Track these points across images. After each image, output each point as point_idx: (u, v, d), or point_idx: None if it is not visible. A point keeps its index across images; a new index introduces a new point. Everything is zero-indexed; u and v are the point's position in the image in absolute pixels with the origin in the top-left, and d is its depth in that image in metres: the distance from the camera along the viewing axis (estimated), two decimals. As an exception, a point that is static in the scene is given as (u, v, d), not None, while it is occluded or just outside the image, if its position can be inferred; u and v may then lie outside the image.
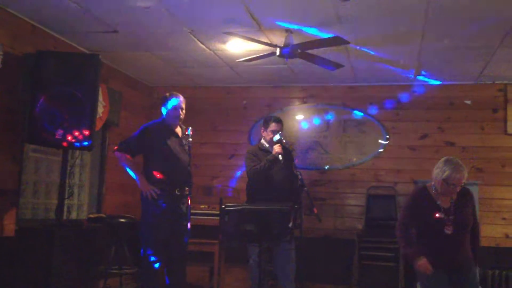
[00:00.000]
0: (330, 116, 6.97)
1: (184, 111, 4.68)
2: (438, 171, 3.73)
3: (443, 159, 3.80)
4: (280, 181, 5.06)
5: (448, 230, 3.64)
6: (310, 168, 6.86)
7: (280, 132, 5.16)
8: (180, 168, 4.55)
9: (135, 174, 4.53)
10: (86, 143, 4.44)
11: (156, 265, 4.47)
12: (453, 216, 3.67)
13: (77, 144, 4.43)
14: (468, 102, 6.57)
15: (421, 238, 3.80)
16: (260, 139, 5.34)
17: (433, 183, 3.79)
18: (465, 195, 3.78)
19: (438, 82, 6.63)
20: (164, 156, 4.52)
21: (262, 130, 5.31)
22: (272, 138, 5.11)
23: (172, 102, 4.62)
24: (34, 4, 4.54)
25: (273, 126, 5.14)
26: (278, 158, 4.98)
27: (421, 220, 3.78)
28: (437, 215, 3.68)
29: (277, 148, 5.03)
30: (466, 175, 3.68)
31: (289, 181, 5.11)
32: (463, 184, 3.69)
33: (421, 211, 3.76)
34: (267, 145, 5.20)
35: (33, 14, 4.79)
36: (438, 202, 3.73)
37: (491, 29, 4.76)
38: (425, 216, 3.74)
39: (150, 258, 4.46)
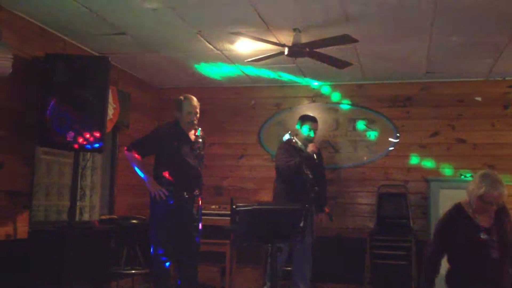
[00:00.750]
0: (339, 115, 6.96)
1: (198, 114, 4.65)
2: (474, 186, 3.34)
3: (479, 173, 3.43)
4: (311, 181, 5.11)
5: (494, 254, 3.23)
6: (320, 167, 6.84)
7: (290, 132, 5.18)
8: (189, 171, 4.54)
9: (143, 174, 4.55)
10: (97, 145, 4.47)
11: (166, 264, 4.49)
12: (497, 237, 3.27)
13: (88, 146, 4.46)
14: (479, 98, 6.53)
15: (458, 263, 3.40)
16: (290, 137, 5.44)
17: (468, 199, 3.41)
18: (501, 212, 3.38)
19: (448, 79, 6.59)
20: (173, 159, 4.52)
21: (296, 128, 5.52)
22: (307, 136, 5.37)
23: (186, 106, 4.59)
24: (43, 7, 4.57)
25: (309, 125, 5.41)
26: (312, 156, 5.15)
27: (459, 243, 3.35)
28: (482, 236, 3.27)
29: (311, 146, 5.18)
30: (505, 192, 3.29)
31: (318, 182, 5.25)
32: (501, 202, 3.31)
33: (459, 232, 3.36)
34: (300, 143, 5.38)
35: (42, 17, 4.82)
36: (477, 221, 3.34)
37: (501, 25, 4.72)
38: (465, 238, 3.32)
39: (160, 258, 4.47)
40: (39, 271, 4.62)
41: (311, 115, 5.79)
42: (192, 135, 4.66)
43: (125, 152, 4.64)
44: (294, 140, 5.38)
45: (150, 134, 4.68)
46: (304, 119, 5.55)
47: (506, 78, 6.44)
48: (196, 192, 4.59)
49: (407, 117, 6.72)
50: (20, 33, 4.69)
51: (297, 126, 5.56)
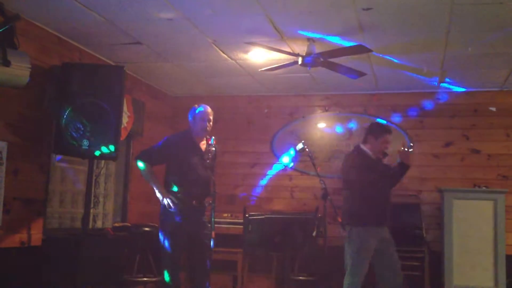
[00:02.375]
0: (352, 125, 6.95)
1: (211, 123, 4.65)
2: None
3: None
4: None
5: None
6: (333, 176, 6.82)
7: (303, 141, 5.15)
8: (198, 182, 4.54)
9: (153, 182, 4.57)
10: (111, 153, 4.51)
11: (176, 274, 4.48)
12: None
13: (103, 154, 4.50)
14: (493, 109, 6.49)
15: None
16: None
17: None
18: None
19: (462, 89, 6.56)
20: (182, 169, 4.52)
21: (369, 139, 4.77)
22: (384, 149, 4.71)
23: (200, 114, 4.60)
24: (60, 17, 4.63)
25: (388, 138, 4.73)
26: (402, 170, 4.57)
27: None
28: None
29: (404, 157, 4.56)
30: None
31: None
32: None
33: None
34: (372, 155, 4.73)
35: (59, 26, 4.88)
36: None
37: (516, 35, 4.70)
38: None
39: (169, 268, 4.48)
40: (53, 278, 4.65)
41: (386, 125, 5.18)
42: (203, 145, 4.67)
43: (135, 160, 4.66)
44: (365, 152, 4.73)
45: (162, 143, 4.70)
46: (378, 130, 4.82)
47: (521, 88, 6.40)
48: (208, 201, 4.59)
49: (421, 127, 6.69)
50: (38, 42, 4.75)
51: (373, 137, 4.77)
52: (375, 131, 4.77)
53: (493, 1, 3.98)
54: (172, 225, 4.47)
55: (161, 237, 4.54)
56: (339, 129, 6.97)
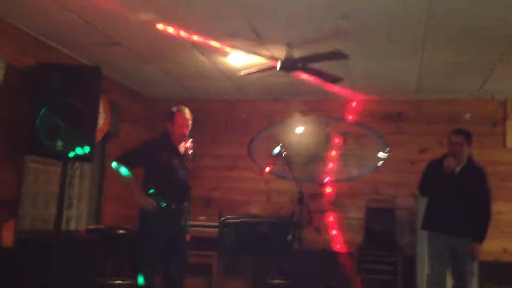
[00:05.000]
0: (330, 129, 6.99)
1: (190, 126, 4.58)
2: None
3: None
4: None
5: None
6: (310, 180, 6.86)
7: (281, 145, 5.14)
8: (178, 184, 4.52)
9: (131, 185, 4.52)
10: (86, 154, 4.45)
11: (151, 278, 4.45)
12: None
13: (77, 155, 4.44)
14: (468, 116, 6.59)
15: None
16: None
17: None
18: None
19: (438, 97, 6.66)
20: (162, 172, 4.48)
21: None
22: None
23: (178, 118, 4.53)
24: (37, 17, 4.57)
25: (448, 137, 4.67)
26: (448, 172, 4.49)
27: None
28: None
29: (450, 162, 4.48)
30: None
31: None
32: None
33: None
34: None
35: (36, 27, 4.82)
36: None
37: (491, 45, 4.79)
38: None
39: (147, 271, 4.44)
40: (24, 281, 4.57)
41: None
42: (182, 147, 4.63)
43: (112, 164, 4.54)
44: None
45: (139, 146, 4.64)
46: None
47: (495, 97, 6.51)
48: (185, 204, 4.57)
49: (397, 132, 6.77)
50: (14, 42, 4.69)
51: None
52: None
53: (468, 11, 4.05)
54: (150, 229, 4.43)
55: (138, 240, 4.49)
56: (317, 134, 7.00)
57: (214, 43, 5.02)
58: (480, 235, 4.45)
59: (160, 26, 4.61)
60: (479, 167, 4.66)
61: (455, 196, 4.52)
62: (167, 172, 4.48)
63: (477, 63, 5.33)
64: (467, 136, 4.67)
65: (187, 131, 4.57)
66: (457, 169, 4.59)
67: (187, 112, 4.58)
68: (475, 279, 4.70)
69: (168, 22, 4.53)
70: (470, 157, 4.68)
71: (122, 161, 4.51)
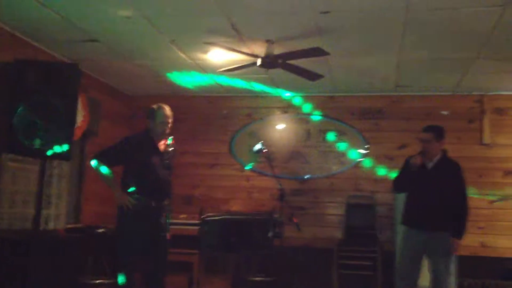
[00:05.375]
0: (310, 126, 7.02)
1: (170, 124, 4.55)
2: None
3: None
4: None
5: None
6: (290, 177, 6.88)
7: (261, 142, 5.15)
8: (158, 182, 4.48)
9: (110, 183, 4.48)
10: (64, 152, 4.39)
11: (133, 275, 4.42)
12: None
13: (55, 153, 4.38)
14: (445, 112, 6.67)
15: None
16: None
17: None
18: None
19: (416, 93, 6.73)
20: (142, 170, 4.45)
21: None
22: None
23: (159, 116, 4.49)
24: (14, 13, 4.50)
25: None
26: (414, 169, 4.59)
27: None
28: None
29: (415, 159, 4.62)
30: None
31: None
32: None
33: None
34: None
35: (12, 22, 4.75)
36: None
37: (468, 42, 4.85)
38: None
39: (127, 269, 4.40)
40: (2, 280, 4.51)
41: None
42: (162, 145, 4.60)
43: (91, 162, 4.51)
44: None
45: (119, 144, 4.59)
46: None
47: (472, 93, 6.61)
48: (166, 202, 4.54)
49: (377, 129, 6.83)
50: (-11, 38, 4.61)
51: None
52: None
53: (447, 7, 4.10)
54: (130, 227, 4.40)
55: (117, 239, 4.46)
56: (297, 130, 7.03)
57: (193, 40, 5.00)
58: (459, 230, 4.51)
59: (139, 22, 4.57)
60: (454, 162, 4.73)
61: (428, 192, 4.59)
62: (146, 170, 4.44)
63: (454, 60, 5.40)
64: (437, 133, 4.71)
65: (167, 129, 4.54)
66: (430, 165, 4.67)
67: (167, 110, 4.55)
68: (452, 278, 4.73)
69: (147, 18, 4.50)
70: (444, 152, 4.75)
71: (101, 159, 4.47)
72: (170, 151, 4.59)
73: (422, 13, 4.23)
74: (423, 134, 4.73)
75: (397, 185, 4.89)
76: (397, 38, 4.79)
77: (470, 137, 6.57)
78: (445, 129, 4.78)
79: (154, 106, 4.56)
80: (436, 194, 4.55)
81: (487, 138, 6.54)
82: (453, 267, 4.74)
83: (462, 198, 4.58)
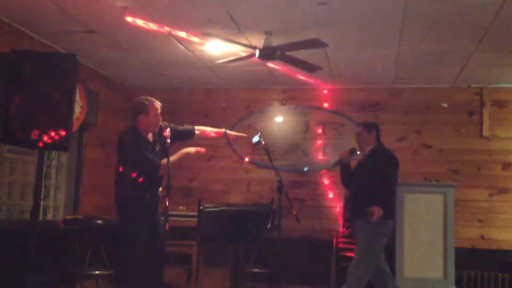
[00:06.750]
0: (309, 118, 7.00)
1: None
2: None
3: None
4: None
5: None
6: (289, 169, 6.88)
7: (259, 134, 5.13)
8: (153, 173, 4.49)
9: (177, 156, 4.57)
10: (62, 143, 4.38)
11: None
12: None
13: (53, 144, 4.37)
14: (445, 105, 6.66)
15: None
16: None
17: None
18: None
19: (415, 86, 6.71)
20: (137, 164, 4.45)
21: None
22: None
23: (153, 108, 4.48)
24: (11, 3, 4.48)
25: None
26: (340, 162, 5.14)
27: None
28: None
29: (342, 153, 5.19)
30: None
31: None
32: None
33: None
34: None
35: (10, 13, 4.72)
36: None
37: (467, 34, 4.83)
38: None
39: (134, 258, 4.41)
40: (0, 272, 4.51)
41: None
42: (150, 136, 4.60)
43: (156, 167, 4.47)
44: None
45: (133, 146, 4.53)
46: None
47: (472, 86, 6.59)
48: (161, 193, 4.54)
49: (375, 121, 6.79)
50: (-14, 29, 4.58)
51: None
52: None
53: (445, -1, 4.08)
54: (135, 220, 4.40)
55: (125, 232, 4.46)
56: (296, 122, 7.01)
57: (191, 31, 4.97)
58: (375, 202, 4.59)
59: (135, 12, 4.54)
60: (385, 152, 4.95)
61: (354, 182, 4.98)
62: (141, 165, 4.43)
63: (454, 52, 5.38)
64: (366, 126, 5.04)
65: (160, 119, 4.55)
66: (363, 157, 5.02)
67: (157, 102, 4.55)
68: (360, 272, 4.65)
69: (144, 9, 4.47)
70: (377, 144, 4.97)
71: (154, 162, 4.44)
72: (168, 142, 4.56)
73: (421, 5, 4.21)
74: (356, 129, 5.24)
75: (341, 180, 5.23)
76: (396, 30, 4.77)
77: (469, 129, 6.57)
78: (377, 124, 5.15)
79: (145, 101, 4.50)
80: (357, 183, 4.88)
81: (486, 131, 6.53)
82: (366, 262, 4.67)
83: (379, 183, 4.69)
